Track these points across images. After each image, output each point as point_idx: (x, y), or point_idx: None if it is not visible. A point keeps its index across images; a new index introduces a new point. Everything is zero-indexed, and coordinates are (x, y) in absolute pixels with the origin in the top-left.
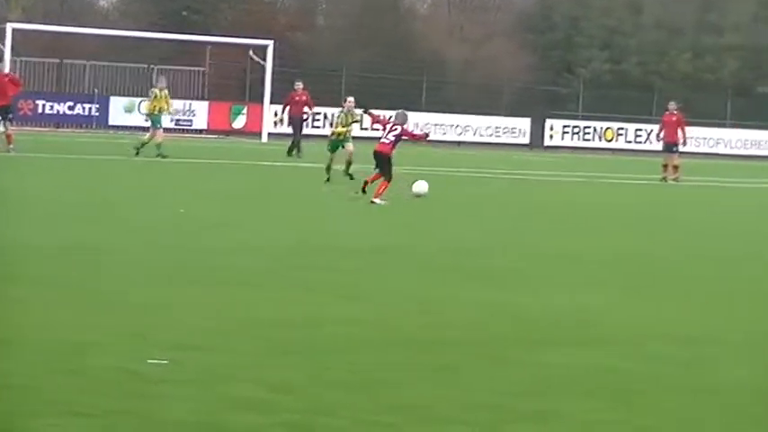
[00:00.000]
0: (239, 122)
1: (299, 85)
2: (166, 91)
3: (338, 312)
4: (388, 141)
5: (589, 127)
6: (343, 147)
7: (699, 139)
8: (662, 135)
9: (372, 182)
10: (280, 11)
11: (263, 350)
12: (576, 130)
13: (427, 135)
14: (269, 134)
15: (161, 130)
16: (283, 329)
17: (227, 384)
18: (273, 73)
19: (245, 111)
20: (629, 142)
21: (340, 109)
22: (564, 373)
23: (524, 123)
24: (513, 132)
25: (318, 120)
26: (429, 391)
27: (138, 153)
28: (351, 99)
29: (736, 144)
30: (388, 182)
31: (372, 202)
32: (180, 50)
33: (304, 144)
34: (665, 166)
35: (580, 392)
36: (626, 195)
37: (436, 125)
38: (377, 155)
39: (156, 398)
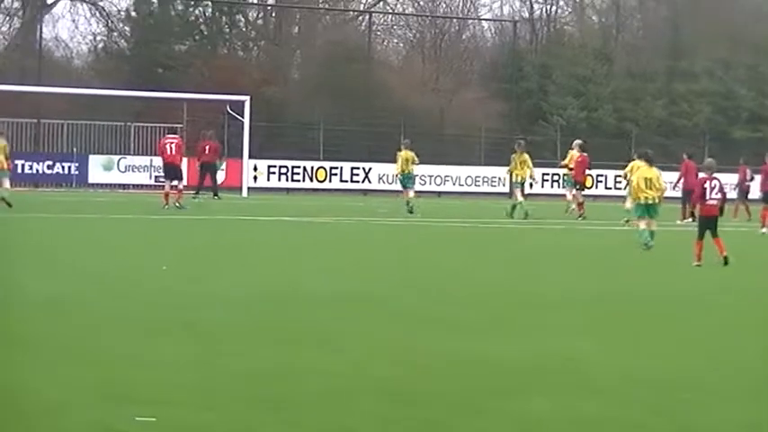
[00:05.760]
0: (218, 178)
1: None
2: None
3: (314, 363)
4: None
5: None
6: None
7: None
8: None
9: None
10: (251, 65)
11: (245, 405)
12: (555, 177)
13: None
14: (249, 189)
15: None
16: (260, 381)
17: None
18: (250, 128)
19: (223, 166)
20: (609, 188)
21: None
22: (548, 422)
23: (502, 172)
24: (493, 182)
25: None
26: None
27: None
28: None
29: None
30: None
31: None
32: (155, 107)
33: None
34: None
35: None
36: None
37: (416, 176)
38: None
39: None
